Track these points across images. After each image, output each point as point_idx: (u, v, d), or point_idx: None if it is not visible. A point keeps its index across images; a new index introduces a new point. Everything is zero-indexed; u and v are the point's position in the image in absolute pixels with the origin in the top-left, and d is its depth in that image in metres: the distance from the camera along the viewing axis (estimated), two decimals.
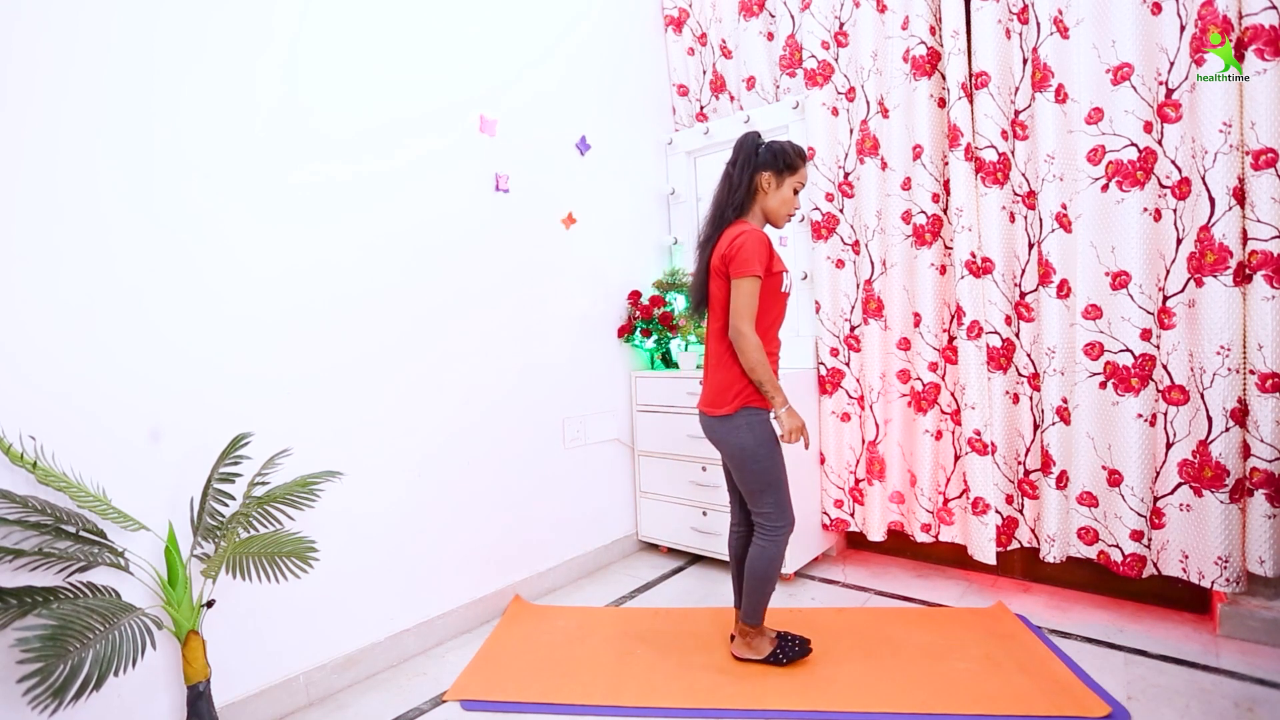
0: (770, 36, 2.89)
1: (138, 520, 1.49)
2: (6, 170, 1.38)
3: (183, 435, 1.63)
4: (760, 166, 1.82)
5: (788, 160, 1.82)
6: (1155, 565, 2.04)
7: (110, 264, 1.52)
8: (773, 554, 1.83)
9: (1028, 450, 2.30)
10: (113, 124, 1.53)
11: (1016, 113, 2.24)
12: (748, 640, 1.93)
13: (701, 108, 3.16)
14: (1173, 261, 1.95)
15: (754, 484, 1.83)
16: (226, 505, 1.62)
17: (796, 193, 1.87)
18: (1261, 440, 1.82)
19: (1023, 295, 2.27)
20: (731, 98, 3.06)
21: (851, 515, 2.66)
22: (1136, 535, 2.03)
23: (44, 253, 1.43)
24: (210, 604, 1.56)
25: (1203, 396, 1.90)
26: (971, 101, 2.26)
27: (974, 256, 2.28)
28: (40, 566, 1.34)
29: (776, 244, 2.78)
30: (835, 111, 2.63)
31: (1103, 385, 2.09)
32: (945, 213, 2.40)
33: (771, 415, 1.82)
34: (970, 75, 2.27)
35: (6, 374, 1.38)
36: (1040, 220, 2.19)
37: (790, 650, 1.91)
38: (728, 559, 2.61)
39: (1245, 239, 1.83)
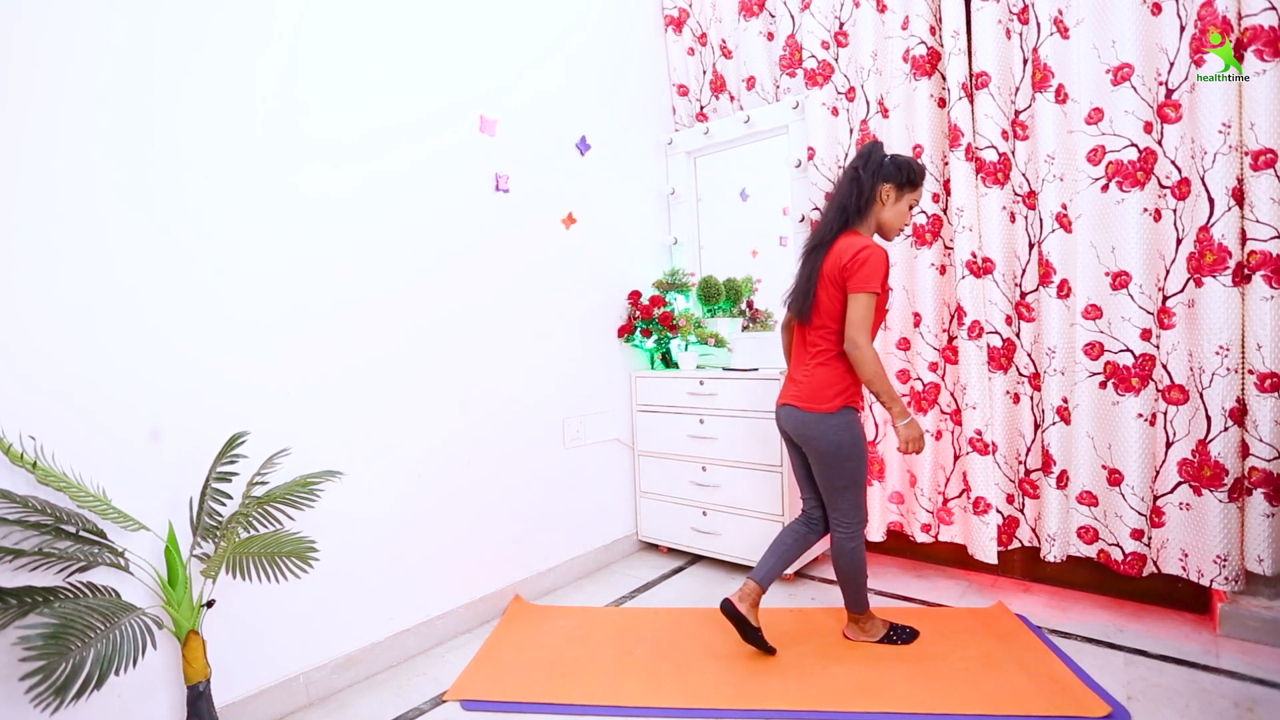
0: (770, 36, 2.90)
1: (137, 520, 1.49)
2: (6, 170, 1.38)
3: (182, 435, 1.62)
4: (884, 178, 1.83)
5: (911, 176, 1.84)
6: (1155, 564, 2.04)
7: (109, 264, 1.52)
8: (851, 548, 1.91)
9: (1028, 450, 2.30)
10: (112, 124, 1.52)
11: (1017, 113, 2.24)
12: (860, 625, 2.03)
13: (701, 108, 3.16)
14: (1172, 262, 1.95)
15: (839, 481, 1.88)
16: (225, 505, 1.62)
17: (911, 209, 1.89)
18: (1260, 440, 1.83)
19: (1023, 295, 2.27)
20: (731, 98, 3.06)
21: None
22: (1137, 534, 2.04)
23: (43, 253, 1.43)
24: (210, 604, 1.56)
25: (1202, 396, 1.91)
26: (972, 101, 2.26)
27: (974, 256, 2.28)
28: (40, 566, 1.34)
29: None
30: (835, 111, 2.63)
31: (1103, 385, 2.09)
32: (945, 213, 2.40)
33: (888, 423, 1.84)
34: (970, 75, 2.27)
35: (6, 374, 1.37)
36: (1040, 220, 2.19)
37: (903, 634, 2.00)
38: (728, 559, 2.65)
39: (1244, 239, 1.83)
